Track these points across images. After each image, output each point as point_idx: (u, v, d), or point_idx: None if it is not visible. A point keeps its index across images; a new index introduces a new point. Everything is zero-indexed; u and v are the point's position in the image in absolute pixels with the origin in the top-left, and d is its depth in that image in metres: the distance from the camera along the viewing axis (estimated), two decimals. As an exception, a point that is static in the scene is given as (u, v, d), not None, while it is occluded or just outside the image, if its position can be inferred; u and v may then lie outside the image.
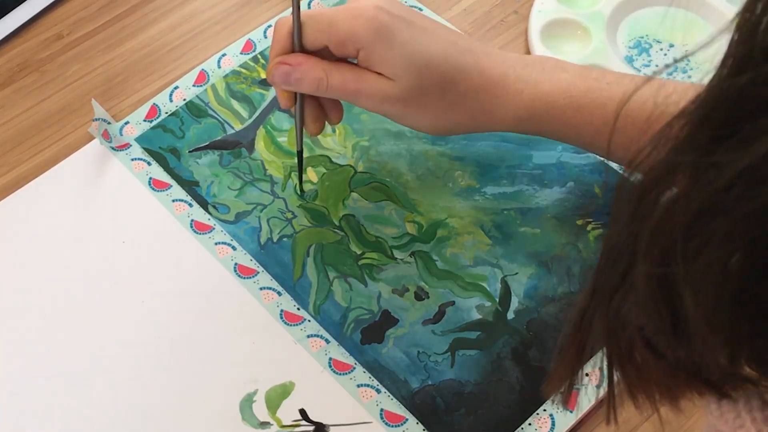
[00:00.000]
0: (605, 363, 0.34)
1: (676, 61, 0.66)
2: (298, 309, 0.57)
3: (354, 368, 0.55)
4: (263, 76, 0.68)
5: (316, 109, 0.56)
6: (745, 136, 0.24)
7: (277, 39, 0.53)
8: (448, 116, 0.55)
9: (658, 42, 0.68)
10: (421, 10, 0.70)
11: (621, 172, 0.34)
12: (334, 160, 0.63)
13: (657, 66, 0.67)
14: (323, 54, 0.53)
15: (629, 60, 0.67)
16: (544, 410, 0.53)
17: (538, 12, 0.69)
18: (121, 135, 0.65)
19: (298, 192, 0.62)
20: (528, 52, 0.68)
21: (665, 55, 0.67)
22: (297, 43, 0.53)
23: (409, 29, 0.52)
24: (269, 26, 0.70)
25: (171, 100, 0.66)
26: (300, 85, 0.53)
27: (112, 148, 0.64)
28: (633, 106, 0.36)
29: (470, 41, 0.56)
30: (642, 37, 0.68)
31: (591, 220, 0.60)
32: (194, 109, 0.66)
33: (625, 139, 0.35)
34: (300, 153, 0.59)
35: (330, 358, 0.55)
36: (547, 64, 0.56)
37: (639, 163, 0.29)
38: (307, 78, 0.52)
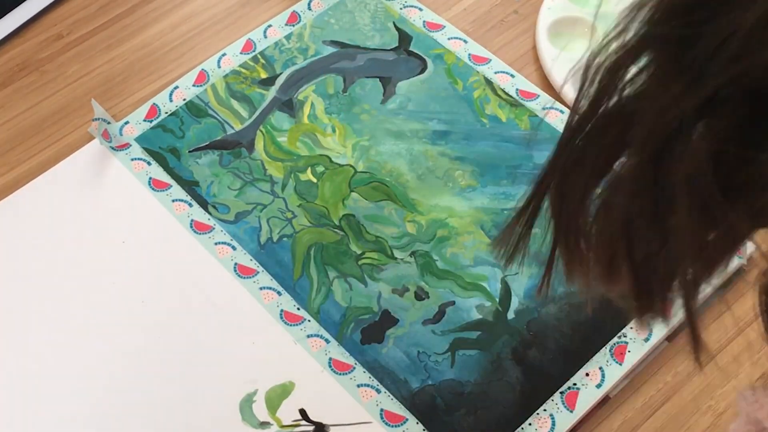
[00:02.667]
0: (550, 238, 0.34)
1: None
2: (298, 309, 0.57)
3: (354, 368, 0.55)
4: (263, 75, 0.68)
5: None
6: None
7: None
8: None
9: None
10: (420, 10, 0.70)
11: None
12: (334, 160, 0.63)
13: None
14: None
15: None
16: (545, 410, 0.53)
17: (547, 9, 0.69)
18: (121, 135, 0.65)
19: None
20: (531, 50, 0.68)
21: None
22: None
23: None
24: (269, 26, 0.70)
25: (171, 100, 0.66)
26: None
27: (112, 148, 0.64)
28: None
29: None
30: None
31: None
32: (194, 109, 0.66)
33: None
34: None
35: (330, 358, 0.55)
36: None
37: (607, 43, 0.28)
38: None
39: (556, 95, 0.65)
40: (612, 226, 0.31)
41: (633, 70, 0.28)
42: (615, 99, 0.29)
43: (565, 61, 0.64)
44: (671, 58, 0.26)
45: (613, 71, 0.29)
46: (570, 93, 0.64)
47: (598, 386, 0.53)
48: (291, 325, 0.57)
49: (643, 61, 0.28)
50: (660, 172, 0.27)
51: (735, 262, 0.54)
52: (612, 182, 0.30)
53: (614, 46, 0.28)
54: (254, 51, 0.69)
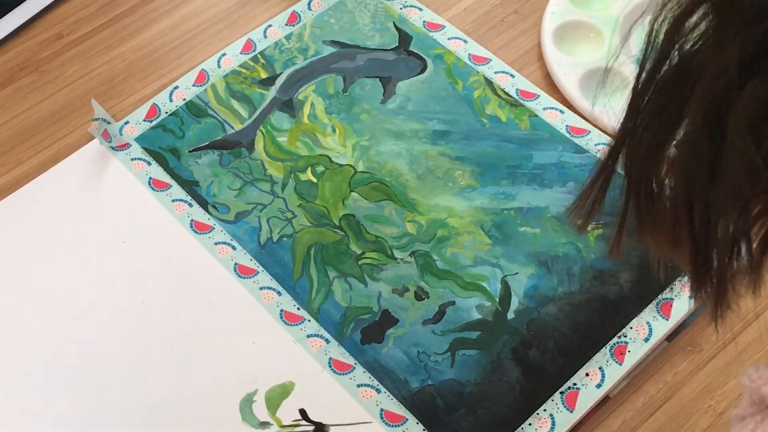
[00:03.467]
0: (623, 197, 0.33)
1: None
2: (298, 309, 0.57)
3: (354, 368, 0.55)
4: (263, 75, 0.68)
5: None
6: None
7: None
8: None
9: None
10: (420, 10, 0.70)
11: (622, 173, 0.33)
12: (334, 159, 0.63)
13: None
14: None
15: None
16: (544, 410, 0.53)
17: (551, 14, 0.69)
18: (121, 135, 0.65)
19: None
20: (531, 50, 0.68)
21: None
22: None
23: None
24: (269, 26, 0.70)
25: (171, 100, 0.66)
26: None
27: (112, 148, 0.64)
28: None
29: None
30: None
31: (591, 219, 0.60)
32: (194, 109, 0.66)
33: None
34: None
35: (330, 358, 0.55)
36: None
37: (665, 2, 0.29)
38: None
39: (558, 96, 0.65)
40: (677, 185, 0.31)
41: (694, 20, 0.28)
42: (678, 53, 0.29)
43: (572, 65, 0.65)
44: (726, 5, 0.27)
45: (675, 26, 0.29)
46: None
47: (598, 386, 0.53)
48: (291, 325, 0.57)
49: (701, 12, 0.28)
50: (717, 125, 0.27)
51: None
52: (678, 140, 0.30)
53: (672, 2, 0.29)
54: (254, 51, 0.69)
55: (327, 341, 0.56)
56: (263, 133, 0.65)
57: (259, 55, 0.69)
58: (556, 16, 0.68)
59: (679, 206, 0.31)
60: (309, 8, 0.71)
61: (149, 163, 0.63)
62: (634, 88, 0.31)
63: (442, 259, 0.59)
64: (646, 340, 0.55)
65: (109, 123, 0.65)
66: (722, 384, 0.54)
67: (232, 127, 0.65)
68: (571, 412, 0.53)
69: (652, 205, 0.33)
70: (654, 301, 0.56)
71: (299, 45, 0.69)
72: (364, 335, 0.56)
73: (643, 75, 0.31)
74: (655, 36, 0.30)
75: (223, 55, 0.69)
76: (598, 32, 0.68)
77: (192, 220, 0.61)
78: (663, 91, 0.30)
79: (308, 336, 0.56)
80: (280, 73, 0.67)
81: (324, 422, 0.53)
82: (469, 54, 0.68)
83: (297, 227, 0.60)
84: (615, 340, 0.55)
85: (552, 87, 0.66)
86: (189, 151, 0.64)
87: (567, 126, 0.64)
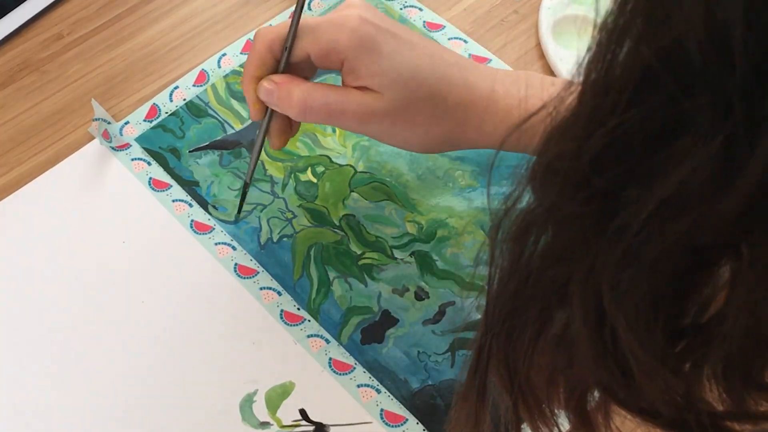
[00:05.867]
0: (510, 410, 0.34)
1: None
2: (298, 309, 0.57)
3: (354, 368, 0.55)
4: (263, 76, 0.67)
5: (283, 121, 0.54)
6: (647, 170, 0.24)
7: (257, 50, 0.52)
8: (437, 131, 0.53)
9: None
10: (420, 10, 0.70)
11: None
12: (334, 160, 0.63)
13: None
14: (303, 68, 0.53)
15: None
16: (545, 410, 0.53)
17: (546, 9, 0.69)
18: (121, 135, 0.65)
19: (237, 214, 0.60)
20: (532, 50, 0.68)
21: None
22: (285, 61, 0.52)
23: (394, 41, 0.51)
24: (269, 26, 0.70)
25: (171, 100, 0.66)
26: (283, 105, 0.52)
27: (112, 148, 0.64)
28: None
29: (456, 56, 0.54)
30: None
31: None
32: (194, 109, 0.66)
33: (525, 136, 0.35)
34: (247, 185, 0.57)
35: (330, 358, 0.55)
36: (535, 80, 0.54)
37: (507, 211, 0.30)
38: (289, 99, 0.51)
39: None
40: (571, 389, 0.32)
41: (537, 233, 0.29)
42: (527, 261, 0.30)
43: (573, 59, 0.65)
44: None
45: (519, 238, 0.30)
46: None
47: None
48: (291, 325, 0.57)
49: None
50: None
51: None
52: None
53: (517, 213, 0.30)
54: (254, 51, 0.69)
55: (327, 341, 0.56)
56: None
57: (259, 55, 0.68)
58: (551, 11, 0.68)
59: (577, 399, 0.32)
60: (309, 8, 0.71)
61: (149, 164, 0.63)
62: (490, 297, 0.32)
63: (442, 259, 0.59)
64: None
65: (109, 123, 0.65)
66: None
67: (233, 127, 0.65)
68: (572, 412, 0.53)
69: (543, 406, 0.33)
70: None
71: (299, 45, 0.69)
72: (364, 335, 0.56)
73: (496, 283, 0.32)
74: (501, 248, 0.31)
75: (224, 55, 0.69)
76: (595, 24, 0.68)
77: (192, 220, 0.61)
78: (525, 300, 0.31)
79: (308, 336, 0.56)
80: (280, 73, 0.67)
81: (324, 422, 0.53)
82: (470, 54, 0.68)
83: (297, 227, 0.60)
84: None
85: (552, 87, 0.66)
86: (189, 152, 0.64)
87: (567, 126, 0.64)
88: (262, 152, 0.64)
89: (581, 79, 0.26)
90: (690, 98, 0.22)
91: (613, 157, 0.25)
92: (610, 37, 0.25)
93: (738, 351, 0.26)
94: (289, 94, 0.51)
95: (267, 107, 0.53)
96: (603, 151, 0.25)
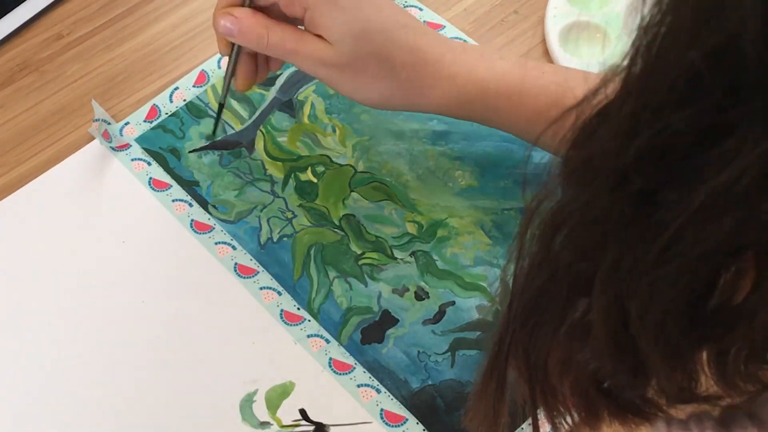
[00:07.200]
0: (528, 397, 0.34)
1: None
2: (298, 309, 0.57)
3: (354, 368, 0.55)
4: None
5: (249, 66, 0.58)
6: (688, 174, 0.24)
7: None
8: (381, 88, 0.55)
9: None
10: (420, 10, 0.70)
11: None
12: (334, 160, 0.63)
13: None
14: (272, 12, 0.55)
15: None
16: (545, 410, 0.53)
17: (552, 17, 0.68)
18: (121, 135, 0.65)
19: (211, 133, 0.63)
20: (532, 50, 0.68)
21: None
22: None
23: None
24: (269, 26, 0.70)
25: (171, 101, 0.66)
26: (241, 38, 0.55)
27: (112, 149, 0.64)
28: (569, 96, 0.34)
29: (413, 20, 0.56)
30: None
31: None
32: (194, 110, 0.66)
33: (560, 130, 0.35)
34: (222, 105, 0.60)
35: (330, 358, 0.55)
36: (486, 52, 0.57)
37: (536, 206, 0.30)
38: (249, 33, 0.54)
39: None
40: (581, 379, 0.32)
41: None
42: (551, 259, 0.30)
43: (582, 67, 0.65)
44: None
45: (550, 233, 0.29)
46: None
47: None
48: (291, 325, 0.57)
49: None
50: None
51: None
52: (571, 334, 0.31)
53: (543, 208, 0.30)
54: (254, 51, 0.69)
55: (327, 341, 0.56)
56: (263, 134, 0.65)
57: (259, 55, 0.68)
58: (557, 19, 0.68)
59: (592, 394, 0.32)
60: None
61: (149, 164, 0.63)
62: (514, 291, 0.32)
63: (442, 259, 0.59)
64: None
65: (109, 123, 0.64)
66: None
67: (232, 128, 0.65)
68: None
69: (559, 399, 0.34)
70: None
71: (299, 45, 0.69)
72: (364, 335, 0.56)
73: (522, 278, 0.31)
74: (528, 245, 0.31)
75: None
76: (604, 32, 0.67)
77: (192, 220, 0.61)
78: (548, 295, 0.31)
79: (308, 336, 0.56)
80: (280, 74, 0.67)
81: (324, 422, 0.53)
82: (469, 54, 0.68)
83: (297, 227, 0.60)
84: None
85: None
86: (189, 152, 0.64)
87: (567, 126, 0.64)
88: (263, 153, 0.64)
89: (623, 76, 0.25)
90: (741, 103, 0.22)
91: (656, 157, 0.24)
92: (654, 38, 0.24)
93: (762, 341, 0.26)
94: (249, 27, 0.54)
95: (233, 44, 0.56)
96: (647, 151, 0.25)
